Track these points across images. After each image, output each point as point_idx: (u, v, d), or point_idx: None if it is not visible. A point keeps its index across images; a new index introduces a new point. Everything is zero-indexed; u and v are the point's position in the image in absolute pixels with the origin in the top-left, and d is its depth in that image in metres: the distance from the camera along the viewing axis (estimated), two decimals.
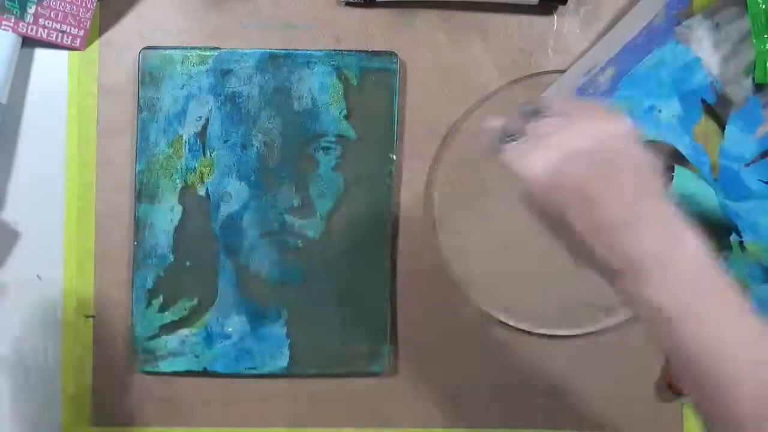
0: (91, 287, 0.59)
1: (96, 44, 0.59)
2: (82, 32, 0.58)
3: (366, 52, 0.58)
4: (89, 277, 0.59)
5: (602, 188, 0.43)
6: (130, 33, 0.59)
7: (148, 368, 0.58)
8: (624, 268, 0.42)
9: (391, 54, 0.58)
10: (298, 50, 0.58)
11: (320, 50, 0.58)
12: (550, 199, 0.44)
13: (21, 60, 0.58)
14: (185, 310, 0.58)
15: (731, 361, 0.39)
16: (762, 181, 0.56)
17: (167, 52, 0.58)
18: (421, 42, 0.60)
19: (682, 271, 0.42)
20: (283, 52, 0.58)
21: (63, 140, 0.59)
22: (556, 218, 0.44)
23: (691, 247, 0.43)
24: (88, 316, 0.59)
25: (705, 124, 0.60)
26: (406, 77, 0.60)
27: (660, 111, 0.56)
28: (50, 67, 0.59)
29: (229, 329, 0.59)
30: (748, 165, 0.56)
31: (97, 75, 0.59)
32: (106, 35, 0.59)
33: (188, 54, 0.58)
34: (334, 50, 0.59)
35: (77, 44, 0.58)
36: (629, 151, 0.44)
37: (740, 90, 0.57)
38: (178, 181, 0.58)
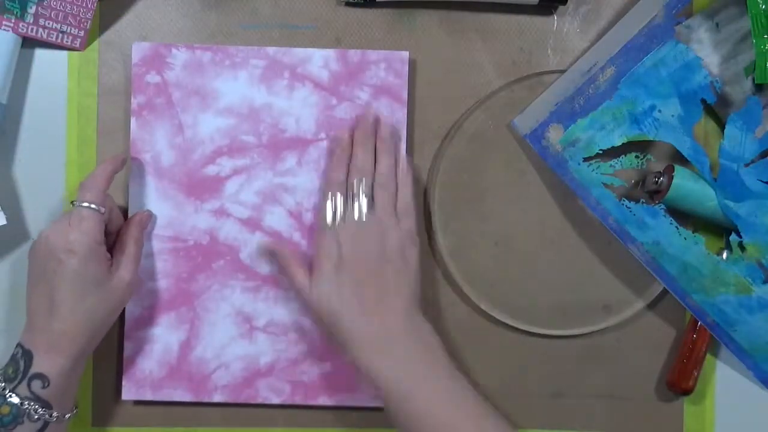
0: None
1: (96, 44, 0.59)
2: (82, 32, 0.58)
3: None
4: None
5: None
6: (130, 33, 0.59)
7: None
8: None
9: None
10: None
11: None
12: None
13: (21, 60, 0.58)
14: None
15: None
16: (762, 181, 0.56)
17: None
18: (421, 42, 0.60)
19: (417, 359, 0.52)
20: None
21: (63, 140, 0.59)
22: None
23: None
24: None
25: (705, 124, 0.60)
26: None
27: (660, 111, 0.56)
28: (50, 67, 0.59)
29: None
30: (747, 165, 0.56)
31: (97, 75, 0.59)
32: (106, 35, 0.59)
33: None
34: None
35: (77, 44, 0.58)
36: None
37: (740, 90, 0.57)
38: None
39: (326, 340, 0.58)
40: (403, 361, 0.51)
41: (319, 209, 0.56)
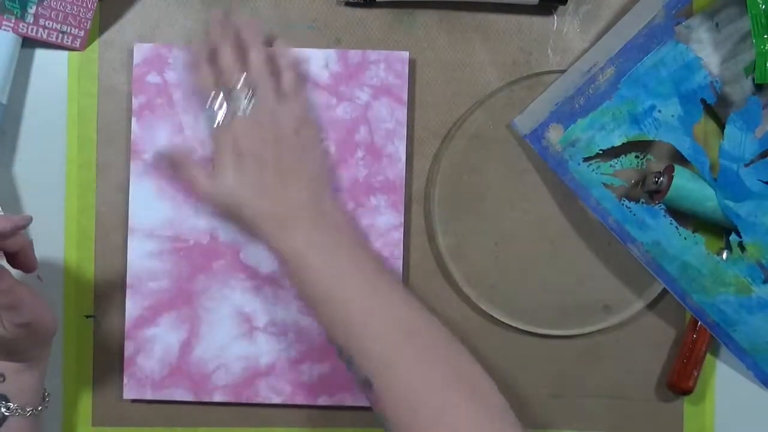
0: (91, 287, 0.59)
1: (96, 44, 0.59)
2: (82, 32, 0.58)
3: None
4: (89, 277, 0.59)
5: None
6: (130, 33, 0.59)
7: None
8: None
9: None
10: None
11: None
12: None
13: (21, 60, 0.58)
14: None
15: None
16: (762, 181, 0.56)
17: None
18: (420, 42, 0.60)
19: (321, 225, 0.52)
20: None
21: (63, 140, 0.59)
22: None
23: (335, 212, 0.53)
24: (88, 316, 0.59)
25: (705, 124, 0.60)
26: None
27: (660, 111, 0.56)
28: (50, 67, 0.59)
29: None
30: (747, 165, 0.56)
31: (97, 75, 0.59)
32: (106, 35, 0.59)
33: None
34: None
35: (77, 45, 0.58)
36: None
37: (740, 90, 0.57)
38: None
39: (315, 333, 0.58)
40: (304, 232, 0.51)
41: (203, 116, 0.55)
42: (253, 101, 0.53)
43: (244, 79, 0.54)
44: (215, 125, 0.54)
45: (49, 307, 0.51)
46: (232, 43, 0.55)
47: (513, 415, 0.47)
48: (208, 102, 0.54)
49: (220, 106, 0.54)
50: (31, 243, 0.49)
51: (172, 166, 0.55)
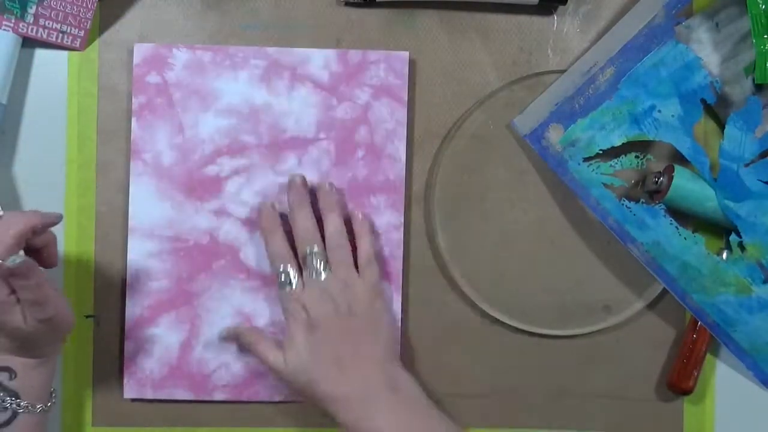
0: (91, 287, 0.59)
1: (96, 44, 0.59)
2: (82, 32, 0.58)
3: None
4: (89, 277, 0.59)
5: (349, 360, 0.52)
6: (130, 33, 0.59)
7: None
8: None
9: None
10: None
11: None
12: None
13: (21, 60, 0.58)
14: None
15: None
16: (762, 181, 0.56)
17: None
18: (420, 42, 0.60)
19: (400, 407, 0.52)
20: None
21: (63, 140, 0.59)
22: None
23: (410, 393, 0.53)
24: (88, 316, 0.59)
25: (705, 124, 0.60)
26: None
27: (660, 111, 0.56)
28: (50, 67, 0.59)
29: None
30: (747, 165, 0.56)
31: (97, 75, 0.59)
32: (106, 35, 0.59)
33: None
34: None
35: (77, 44, 0.58)
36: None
37: (740, 90, 0.57)
38: None
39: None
40: (386, 414, 0.51)
41: (276, 281, 0.55)
42: (327, 270, 0.54)
43: (317, 247, 0.54)
44: (287, 292, 0.54)
45: (68, 304, 0.51)
46: (308, 211, 0.55)
47: None
48: (281, 268, 0.55)
49: (291, 276, 0.54)
50: (55, 239, 0.50)
51: (241, 343, 0.56)
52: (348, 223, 0.57)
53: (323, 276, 0.54)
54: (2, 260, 0.46)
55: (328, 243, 0.55)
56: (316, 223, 0.56)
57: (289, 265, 0.55)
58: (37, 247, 0.50)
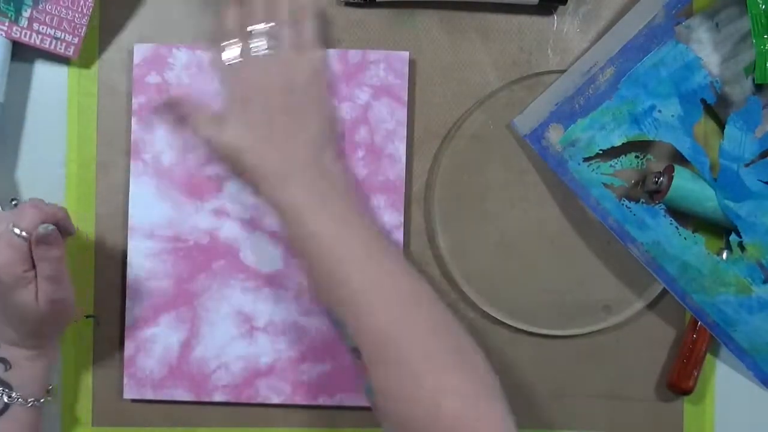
0: (91, 286, 0.59)
1: (96, 44, 0.59)
2: (76, 39, 0.57)
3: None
4: (89, 277, 0.59)
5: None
6: (130, 33, 0.59)
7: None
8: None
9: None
10: None
11: None
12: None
13: (21, 59, 0.58)
14: None
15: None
16: (762, 181, 0.56)
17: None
18: (421, 42, 0.60)
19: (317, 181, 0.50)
20: None
21: (63, 140, 0.59)
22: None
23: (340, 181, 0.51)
24: (88, 316, 0.59)
25: (705, 124, 0.60)
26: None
27: (660, 111, 0.56)
28: (50, 66, 0.59)
29: None
30: (747, 165, 0.56)
31: (97, 75, 0.59)
32: (106, 35, 0.59)
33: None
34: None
35: (70, 52, 0.57)
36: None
37: (740, 90, 0.57)
38: None
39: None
40: (305, 188, 0.50)
41: (217, 55, 0.54)
42: (272, 48, 0.53)
43: (267, 24, 0.53)
44: (227, 64, 0.53)
45: (74, 293, 0.52)
46: None
47: (499, 387, 0.46)
48: (225, 43, 0.53)
49: (239, 47, 0.53)
50: (64, 210, 0.52)
51: (176, 112, 0.54)
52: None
53: (267, 53, 0.53)
54: (28, 232, 0.48)
55: (278, 21, 0.54)
56: (269, 3, 0.54)
57: (237, 40, 0.53)
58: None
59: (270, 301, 0.59)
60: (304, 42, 0.54)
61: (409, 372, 0.44)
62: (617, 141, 0.56)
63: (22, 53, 0.58)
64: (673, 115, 0.56)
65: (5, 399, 0.51)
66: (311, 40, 0.54)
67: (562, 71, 0.59)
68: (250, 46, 0.53)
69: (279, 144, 0.51)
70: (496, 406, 0.44)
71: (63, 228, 0.51)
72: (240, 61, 0.53)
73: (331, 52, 0.58)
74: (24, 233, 0.48)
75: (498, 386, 0.45)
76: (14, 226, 0.48)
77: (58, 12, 0.56)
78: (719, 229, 0.60)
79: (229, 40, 0.53)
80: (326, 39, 0.57)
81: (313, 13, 0.55)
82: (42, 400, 0.53)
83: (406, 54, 0.59)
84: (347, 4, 0.59)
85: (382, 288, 0.47)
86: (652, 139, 0.56)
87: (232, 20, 0.54)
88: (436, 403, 0.43)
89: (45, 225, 0.48)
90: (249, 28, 0.53)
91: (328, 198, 0.50)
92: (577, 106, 0.56)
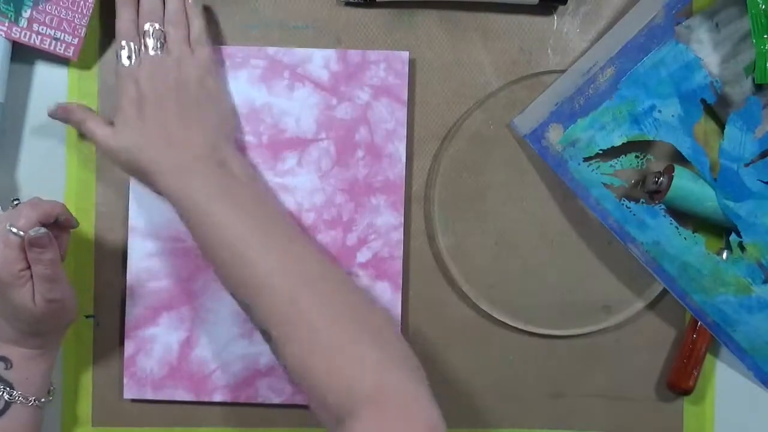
0: (91, 287, 0.59)
1: (96, 44, 0.59)
2: (76, 40, 0.57)
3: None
4: (89, 277, 0.59)
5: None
6: None
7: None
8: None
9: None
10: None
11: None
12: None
13: (21, 60, 0.58)
14: None
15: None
16: (762, 181, 0.56)
17: None
18: (421, 42, 0.60)
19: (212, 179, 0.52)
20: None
21: (63, 140, 0.59)
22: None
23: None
24: (88, 316, 0.59)
25: (705, 124, 0.60)
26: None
27: (660, 111, 0.56)
28: (51, 66, 0.59)
29: None
30: (747, 165, 0.56)
31: (97, 75, 0.59)
32: (106, 35, 0.59)
33: None
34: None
35: (70, 53, 0.57)
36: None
37: (740, 90, 0.57)
38: None
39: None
40: (201, 179, 0.51)
41: (115, 56, 0.55)
42: (163, 48, 0.54)
43: (158, 25, 0.55)
44: (122, 66, 0.54)
45: (74, 295, 0.52)
46: None
47: (416, 360, 0.47)
48: (122, 45, 0.55)
49: (129, 52, 0.55)
50: (63, 205, 0.52)
51: (70, 120, 0.56)
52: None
53: (158, 53, 0.54)
54: (24, 232, 0.48)
55: (167, 18, 0.55)
56: (161, 3, 0.56)
57: (132, 42, 0.55)
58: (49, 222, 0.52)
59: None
60: (193, 40, 0.56)
61: (320, 347, 0.46)
62: (617, 141, 0.56)
63: (23, 54, 0.58)
64: (673, 115, 0.56)
65: (6, 397, 0.51)
66: (199, 37, 0.56)
67: (562, 71, 0.59)
68: (142, 46, 0.54)
69: (175, 140, 0.52)
70: (416, 383, 0.45)
71: (64, 223, 0.52)
72: (132, 63, 0.54)
73: (331, 52, 0.58)
74: (21, 232, 0.49)
75: (421, 371, 0.47)
76: (11, 225, 0.49)
77: (57, 12, 0.56)
78: (719, 229, 0.60)
79: (123, 41, 0.55)
80: (214, 35, 0.58)
81: (199, 11, 0.56)
82: (43, 400, 0.53)
83: (406, 54, 0.59)
84: (347, 4, 0.59)
85: (288, 271, 0.48)
86: (652, 139, 0.56)
87: (125, 23, 0.55)
88: (350, 375, 0.45)
89: (36, 228, 0.48)
90: (141, 30, 0.55)
91: (227, 188, 0.51)
92: (577, 106, 0.56)
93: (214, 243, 0.50)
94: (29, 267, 0.49)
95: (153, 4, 0.55)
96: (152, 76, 0.54)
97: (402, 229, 0.59)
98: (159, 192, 0.53)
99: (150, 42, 0.54)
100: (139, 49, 0.55)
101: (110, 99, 0.59)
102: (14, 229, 0.49)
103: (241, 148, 0.58)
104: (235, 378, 0.59)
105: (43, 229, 0.48)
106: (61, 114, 0.56)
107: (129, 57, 0.54)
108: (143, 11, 0.55)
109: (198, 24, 0.56)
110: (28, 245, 0.48)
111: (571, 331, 0.60)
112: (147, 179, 0.53)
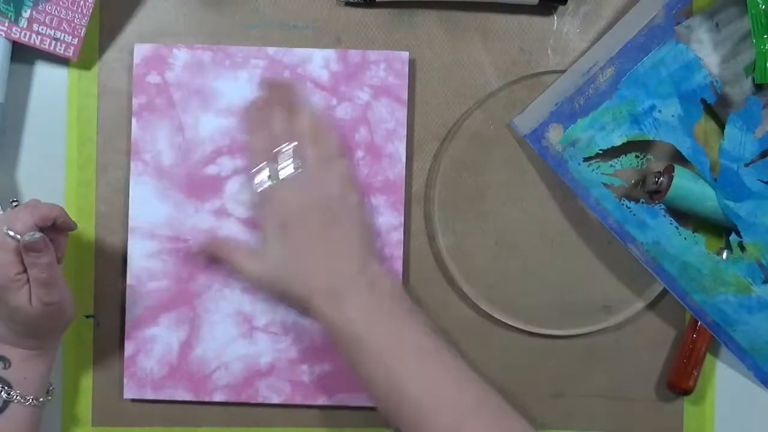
0: (91, 287, 0.59)
1: (96, 44, 0.59)
2: (76, 40, 0.57)
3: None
4: (89, 277, 0.59)
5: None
6: (130, 33, 0.59)
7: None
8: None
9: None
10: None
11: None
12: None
13: (21, 59, 0.58)
14: None
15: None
16: (762, 181, 0.56)
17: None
18: (421, 42, 0.60)
19: (374, 299, 0.50)
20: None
21: (63, 140, 0.59)
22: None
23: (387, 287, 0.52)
24: (88, 316, 0.59)
25: (705, 124, 0.60)
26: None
27: (660, 111, 0.56)
28: (51, 66, 0.59)
29: None
30: (747, 165, 0.56)
31: (97, 75, 0.59)
32: (106, 35, 0.59)
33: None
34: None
35: (70, 53, 0.57)
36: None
37: (740, 90, 0.57)
38: None
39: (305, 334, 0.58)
40: (356, 306, 0.50)
41: (249, 181, 0.55)
42: (300, 167, 0.53)
43: (293, 144, 0.54)
44: (262, 190, 0.54)
45: (71, 297, 0.52)
46: (282, 109, 0.55)
47: None
48: (256, 167, 0.54)
49: (269, 171, 0.54)
50: (61, 208, 0.51)
51: (216, 257, 0.56)
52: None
53: (296, 173, 0.53)
54: (21, 235, 0.48)
55: (299, 139, 0.54)
56: (292, 122, 0.55)
57: (266, 163, 0.54)
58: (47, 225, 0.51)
59: (270, 301, 0.59)
60: (328, 154, 0.54)
61: None
62: (617, 141, 0.56)
63: (23, 54, 0.58)
64: (673, 115, 0.56)
65: (4, 396, 0.51)
66: (335, 151, 0.55)
67: (562, 71, 0.59)
68: (278, 168, 0.53)
69: (324, 262, 0.51)
70: None
71: (62, 225, 0.51)
72: (271, 185, 0.53)
73: (331, 52, 0.58)
74: (18, 236, 0.48)
75: None
76: (8, 228, 0.49)
77: (57, 12, 0.56)
78: (719, 229, 0.60)
79: (257, 164, 0.54)
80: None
81: (330, 125, 0.56)
82: (41, 400, 0.53)
83: (406, 54, 0.59)
84: (347, 4, 0.59)
85: (449, 403, 0.47)
86: (652, 139, 0.56)
87: (258, 145, 0.55)
88: None
89: (31, 233, 0.48)
90: (274, 151, 0.54)
91: (381, 310, 0.50)
92: (577, 106, 0.56)
93: (377, 376, 0.49)
94: (26, 270, 0.49)
95: (285, 123, 0.55)
96: (292, 199, 0.53)
97: (402, 229, 0.59)
98: (309, 317, 0.52)
99: (286, 162, 0.53)
100: (277, 170, 0.54)
101: (110, 99, 0.59)
102: (11, 233, 0.48)
103: (241, 148, 0.58)
104: (235, 378, 0.59)
105: (38, 234, 0.48)
106: (205, 252, 0.57)
107: (269, 177, 0.54)
108: (276, 132, 0.55)
109: (331, 137, 0.55)
110: (24, 249, 0.48)
111: (571, 331, 0.60)
112: (298, 307, 0.53)
